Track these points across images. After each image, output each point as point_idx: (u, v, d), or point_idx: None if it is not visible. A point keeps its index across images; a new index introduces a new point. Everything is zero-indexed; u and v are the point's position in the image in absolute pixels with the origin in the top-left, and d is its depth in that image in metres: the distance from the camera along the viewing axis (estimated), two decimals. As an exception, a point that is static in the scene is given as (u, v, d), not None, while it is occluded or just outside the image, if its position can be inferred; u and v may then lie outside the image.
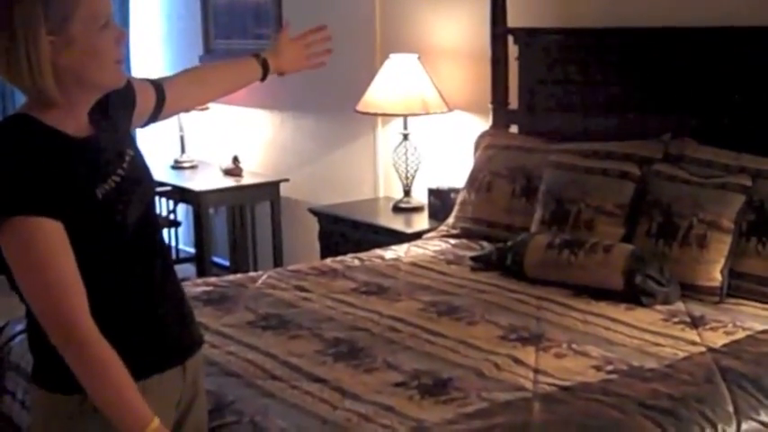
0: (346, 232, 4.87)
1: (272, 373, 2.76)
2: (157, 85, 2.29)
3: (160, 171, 6.15)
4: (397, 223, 4.75)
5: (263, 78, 2.61)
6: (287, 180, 5.88)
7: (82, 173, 1.87)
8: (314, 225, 5.11)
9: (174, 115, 2.50)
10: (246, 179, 5.95)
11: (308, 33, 2.70)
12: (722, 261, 3.29)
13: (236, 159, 6.01)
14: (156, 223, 2.12)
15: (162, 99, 2.27)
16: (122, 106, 2.10)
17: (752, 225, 3.29)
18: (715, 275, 3.29)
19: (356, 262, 3.94)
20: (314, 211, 5.12)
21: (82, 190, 1.86)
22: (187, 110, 2.71)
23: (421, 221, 4.75)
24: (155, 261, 2.03)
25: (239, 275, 3.93)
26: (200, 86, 2.51)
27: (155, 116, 2.30)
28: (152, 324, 2.00)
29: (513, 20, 4.45)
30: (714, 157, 3.55)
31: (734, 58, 3.69)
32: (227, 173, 5.98)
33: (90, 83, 1.92)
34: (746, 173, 3.39)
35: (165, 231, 6.00)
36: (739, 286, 3.29)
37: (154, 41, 6.93)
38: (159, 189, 5.75)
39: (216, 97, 2.68)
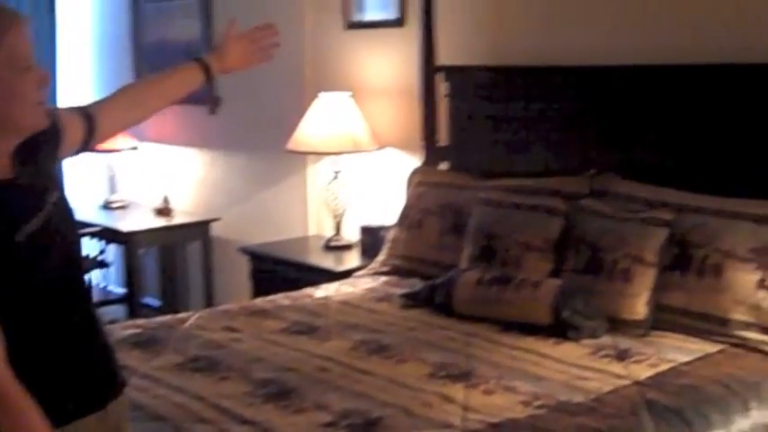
0: (278, 271, 4.86)
1: (201, 416, 2.74)
2: (87, 114, 2.23)
3: (89, 211, 6.11)
4: (328, 261, 4.76)
5: (207, 82, 2.56)
6: (218, 219, 5.86)
7: (0, 216, 1.85)
8: (245, 264, 5.09)
9: (111, 138, 2.45)
10: (177, 219, 5.92)
11: (255, 29, 2.66)
12: (646, 294, 3.34)
13: (166, 199, 5.98)
14: (79, 266, 2.10)
15: (92, 129, 2.22)
16: (47, 145, 2.06)
17: (674, 258, 3.34)
18: (640, 309, 3.34)
19: (286, 301, 3.93)
20: (245, 251, 5.10)
21: (1, 233, 1.84)
22: (126, 129, 2.62)
23: (352, 259, 4.75)
24: (75, 304, 2.01)
25: (168, 317, 3.90)
26: (135, 108, 2.43)
27: (85, 146, 2.24)
28: (71, 369, 1.97)
29: (443, 57, 4.49)
30: (637, 192, 3.62)
31: (654, 95, 3.76)
32: (158, 213, 5.95)
33: (11, 125, 1.91)
34: (668, 207, 3.44)
35: (94, 272, 5.94)
36: (663, 319, 3.33)
37: (84, 80, 6.88)
38: (88, 230, 5.70)
39: (157, 112, 2.58)
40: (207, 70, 2.52)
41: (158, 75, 2.56)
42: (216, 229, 5.89)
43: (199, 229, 5.90)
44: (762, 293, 3.13)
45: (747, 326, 3.15)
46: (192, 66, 2.51)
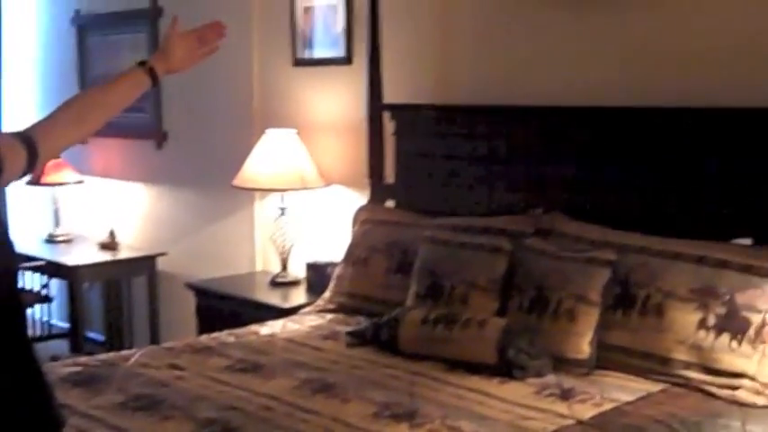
0: (224, 307, 4.83)
1: (142, 456, 2.71)
2: (27, 138, 2.17)
3: (33, 245, 6.05)
4: (275, 298, 4.74)
5: (154, 85, 2.51)
6: (164, 254, 5.82)
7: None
8: (191, 300, 5.06)
9: (57, 155, 2.40)
10: (123, 253, 5.89)
11: (199, 28, 2.60)
12: (590, 333, 3.36)
13: (112, 233, 5.94)
14: (16, 304, 2.05)
15: (34, 153, 2.16)
16: None
17: (617, 298, 3.37)
18: (584, 348, 3.35)
19: (231, 338, 3.91)
20: (191, 286, 5.07)
21: None
22: (73, 144, 2.54)
23: (298, 296, 4.74)
24: (10, 343, 1.97)
25: (111, 354, 3.85)
26: (80, 123, 2.34)
27: (29, 170, 2.19)
28: (5, 408, 1.93)
29: (390, 95, 4.52)
30: (581, 232, 3.65)
31: (597, 135, 3.80)
32: (103, 247, 5.91)
33: None
34: (611, 247, 3.48)
35: (37, 307, 5.87)
36: (607, 358, 3.35)
37: (28, 112, 6.82)
38: (32, 264, 5.64)
39: (104, 123, 2.51)
40: (152, 73, 2.47)
41: (101, 85, 2.48)
42: (162, 264, 5.86)
43: (145, 264, 5.86)
44: (702, 333, 3.16)
45: (688, 365, 3.17)
46: (135, 71, 2.44)
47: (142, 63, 2.45)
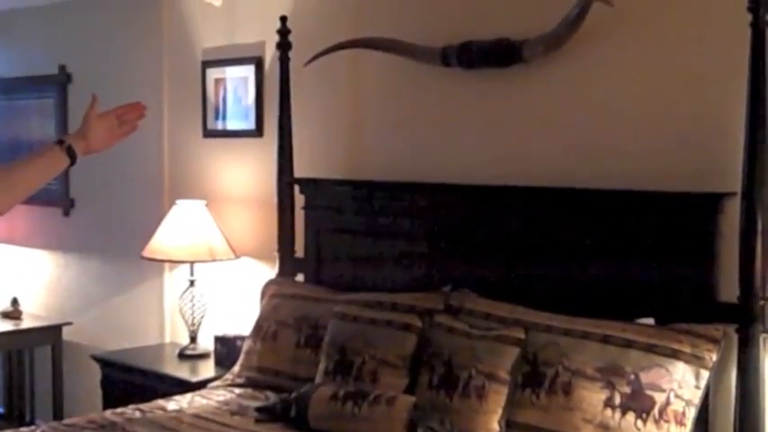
0: (130, 380, 4.75)
1: None
2: None
3: (-68, 314, 5.90)
4: (183, 371, 4.68)
5: (72, 164, 2.46)
6: (70, 324, 5.72)
7: None
8: (97, 371, 4.96)
9: None
10: (26, 322, 5.78)
11: (119, 108, 2.56)
12: (500, 411, 3.36)
13: (15, 301, 5.82)
14: None
15: None
16: None
17: (526, 376, 3.38)
18: (493, 426, 3.35)
19: (137, 414, 3.83)
20: (96, 358, 4.98)
21: None
22: None
23: (207, 369, 4.68)
24: None
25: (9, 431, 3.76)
26: None
27: None
28: None
29: (301, 169, 4.52)
30: (491, 310, 3.66)
31: (505, 213, 3.84)
32: (5, 315, 5.79)
33: None
34: (520, 325, 3.50)
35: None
36: (517, 436, 3.37)
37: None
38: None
39: (18, 201, 2.46)
40: (70, 151, 2.43)
41: (19, 161, 2.45)
42: (68, 334, 5.75)
43: (49, 334, 5.75)
44: (609, 412, 3.18)
45: (596, 444, 3.20)
46: (53, 148, 2.41)
47: (61, 141, 2.42)
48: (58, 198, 5.94)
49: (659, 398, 3.15)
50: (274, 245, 4.56)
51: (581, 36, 3.61)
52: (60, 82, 5.93)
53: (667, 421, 3.13)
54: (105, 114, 2.51)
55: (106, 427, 3.67)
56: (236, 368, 4.30)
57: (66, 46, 5.92)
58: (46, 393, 5.82)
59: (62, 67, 5.92)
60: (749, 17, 3.08)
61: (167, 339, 5.34)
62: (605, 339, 3.32)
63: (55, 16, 5.92)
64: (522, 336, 3.44)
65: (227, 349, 4.65)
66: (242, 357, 4.30)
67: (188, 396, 4.10)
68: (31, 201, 5.98)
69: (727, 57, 3.28)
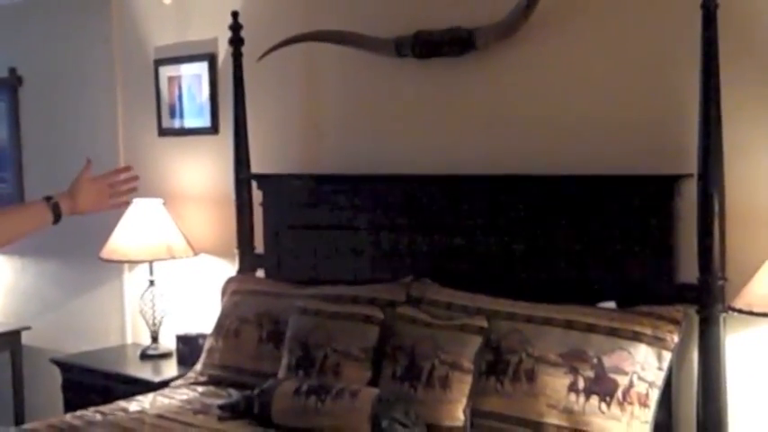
0: (92, 382, 4.71)
1: None
2: None
3: None
4: (145, 371, 4.64)
5: (56, 222, 2.47)
6: (29, 328, 5.66)
7: None
8: (58, 375, 4.91)
9: None
10: (-17, 328, 5.69)
11: (111, 173, 2.58)
12: (464, 401, 3.36)
13: (-28, 308, 5.75)
14: None
15: None
16: None
17: (490, 365, 3.38)
18: (458, 415, 3.35)
19: (98, 416, 3.79)
20: (56, 361, 4.93)
21: None
22: None
23: (169, 368, 4.65)
24: None
25: (-30, 439, 3.71)
26: None
27: None
28: None
29: (257, 165, 4.50)
30: (452, 299, 3.66)
31: (465, 203, 3.84)
32: (-37, 323, 5.71)
33: None
34: (482, 314, 3.50)
35: None
36: (481, 425, 3.35)
37: None
38: None
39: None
40: (55, 209, 2.44)
41: (2, 210, 2.49)
42: (27, 339, 5.68)
43: (7, 339, 5.68)
44: (573, 397, 3.19)
45: (561, 429, 3.19)
46: (39, 204, 2.43)
47: (48, 198, 2.44)
48: (13, 201, 5.87)
49: (622, 381, 3.16)
50: (234, 241, 4.53)
51: (534, 23, 3.61)
52: (11, 85, 5.85)
53: (631, 403, 3.14)
54: (97, 179, 2.55)
55: (66, 431, 3.63)
56: (199, 366, 4.27)
57: (15, 48, 5.85)
58: (6, 399, 5.75)
59: (12, 70, 5.85)
60: (700, -2, 3.10)
61: (129, 340, 5.29)
62: (567, 324, 3.32)
63: (4, 18, 5.84)
64: (485, 324, 3.44)
65: (189, 348, 4.62)
66: (204, 355, 4.28)
67: (150, 396, 4.07)
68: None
69: (680, 39, 3.30)
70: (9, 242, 2.45)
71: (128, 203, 2.66)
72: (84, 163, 2.80)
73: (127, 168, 2.66)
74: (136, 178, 2.65)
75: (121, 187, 2.59)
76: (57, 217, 2.48)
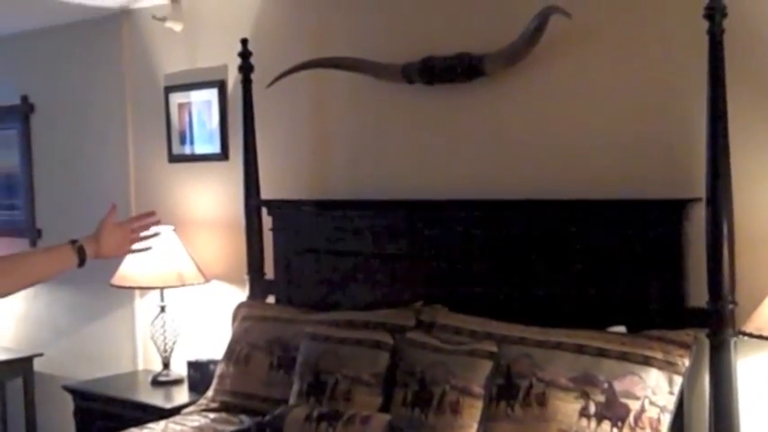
0: (103, 409, 4.72)
1: None
2: None
3: None
4: (157, 398, 4.65)
5: (81, 265, 2.53)
6: (41, 355, 5.67)
7: None
8: (70, 402, 4.92)
9: None
10: (-4, 355, 5.71)
11: (135, 219, 2.65)
12: (475, 426, 3.35)
13: (-16, 335, 5.77)
14: None
15: None
16: None
17: (500, 389, 3.37)
18: (469, 440, 3.35)
19: (111, 444, 3.81)
20: (68, 388, 4.94)
21: None
22: None
23: (181, 395, 4.66)
24: None
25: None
26: (2, 278, 2.39)
27: None
28: None
29: (267, 191, 4.51)
30: (462, 324, 3.66)
31: (474, 228, 3.84)
32: (-24, 350, 5.73)
33: None
34: (492, 338, 3.50)
35: None
36: (493, 450, 3.36)
37: None
38: None
39: (23, 287, 2.56)
40: (80, 252, 2.50)
41: (30, 250, 2.57)
42: (39, 365, 5.70)
43: (20, 366, 5.70)
44: (584, 422, 3.18)
45: (572, 454, 3.19)
46: (65, 246, 2.50)
47: (74, 241, 2.50)
48: (25, 228, 5.90)
49: (634, 405, 3.15)
50: (244, 267, 4.54)
51: (542, 48, 3.62)
52: (23, 112, 5.90)
53: (643, 428, 3.13)
54: (121, 224, 2.61)
55: (80, 457, 3.65)
56: (210, 393, 4.28)
57: (27, 76, 5.89)
58: (19, 426, 5.76)
59: (24, 98, 5.90)
60: (706, 24, 3.11)
61: (140, 366, 5.30)
62: (578, 349, 3.32)
63: (15, 46, 5.89)
64: (495, 349, 3.44)
65: (200, 374, 4.63)
66: (215, 382, 4.28)
67: (162, 423, 4.07)
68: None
69: (686, 64, 3.31)
70: (34, 283, 2.54)
71: (149, 249, 2.72)
72: (108, 208, 2.90)
73: (149, 214, 2.72)
74: (157, 222, 2.73)
75: (143, 233, 2.66)
76: (81, 260, 2.55)
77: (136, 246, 2.74)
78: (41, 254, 2.57)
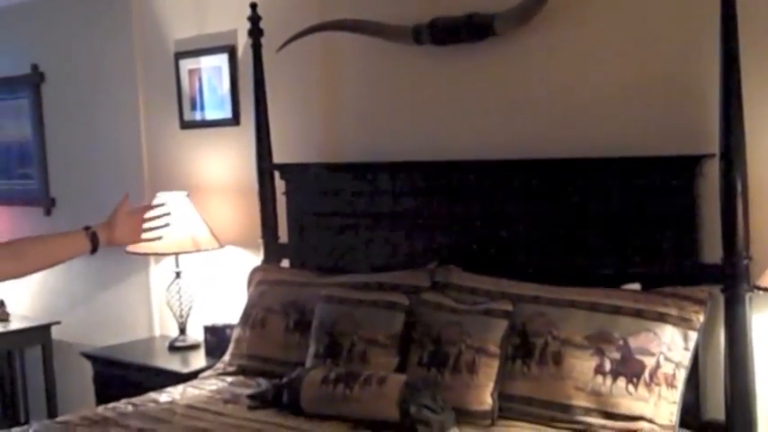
0: (122, 375, 4.76)
1: None
2: None
3: None
4: (174, 363, 4.68)
5: (93, 251, 2.58)
6: (58, 323, 5.71)
7: None
8: (88, 369, 4.96)
9: None
10: (14, 323, 5.75)
11: (146, 207, 2.70)
12: (491, 385, 3.37)
13: (2, 303, 5.80)
14: None
15: None
16: None
17: (516, 348, 3.39)
18: (486, 399, 3.36)
19: (129, 408, 3.82)
20: (87, 355, 4.98)
21: None
22: (4, 280, 2.67)
23: (198, 359, 4.69)
24: None
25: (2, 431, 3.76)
26: (15, 259, 2.46)
27: None
28: None
29: (279, 155, 4.52)
30: (477, 284, 3.67)
31: (487, 188, 3.85)
32: (-6, 318, 5.76)
33: None
34: (507, 298, 3.51)
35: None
36: (509, 408, 3.36)
37: None
38: None
39: (37, 270, 2.63)
40: (93, 238, 2.54)
41: (44, 235, 2.64)
42: (57, 333, 5.74)
43: (38, 334, 5.73)
44: (600, 379, 3.20)
45: (588, 411, 3.21)
46: (78, 232, 2.56)
47: (87, 228, 2.55)
48: (39, 198, 5.92)
49: (649, 362, 3.17)
50: (258, 232, 4.56)
51: (553, 7, 3.61)
52: (33, 82, 5.90)
53: (658, 384, 3.15)
54: (134, 213, 2.66)
55: (99, 422, 3.67)
56: (227, 357, 4.30)
57: (37, 45, 5.89)
58: (39, 393, 5.81)
59: (35, 67, 5.90)
60: (718, -23, 3.09)
61: (157, 332, 5.34)
62: (592, 307, 3.33)
63: (25, 16, 5.88)
64: (510, 308, 3.45)
65: (216, 339, 4.65)
66: (232, 346, 4.31)
67: (180, 387, 4.10)
68: (12, 201, 6.05)
69: (698, 18, 3.29)
70: (47, 267, 2.60)
71: (159, 238, 2.77)
72: (122, 196, 3.00)
73: (159, 205, 2.79)
74: (168, 214, 2.78)
75: (153, 223, 2.71)
76: (94, 247, 2.59)
77: (146, 235, 2.79)
78: (56, 238, 2.62)
